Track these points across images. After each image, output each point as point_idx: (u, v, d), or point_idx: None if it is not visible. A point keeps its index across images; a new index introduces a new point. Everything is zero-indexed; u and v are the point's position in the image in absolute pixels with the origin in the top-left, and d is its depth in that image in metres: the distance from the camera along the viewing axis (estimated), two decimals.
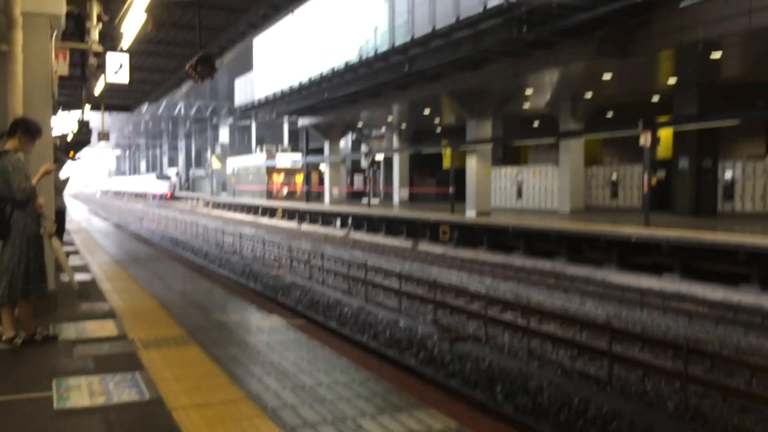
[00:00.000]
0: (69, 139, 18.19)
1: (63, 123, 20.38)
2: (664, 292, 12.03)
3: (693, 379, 6.80)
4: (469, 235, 18.90)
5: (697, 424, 5.98)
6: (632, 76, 18.32)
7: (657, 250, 13.21)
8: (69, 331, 5.42)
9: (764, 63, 16.53)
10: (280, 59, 27.65)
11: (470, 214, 21.39)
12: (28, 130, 4.93)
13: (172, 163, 78.04)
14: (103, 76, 11.63)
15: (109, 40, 11.69)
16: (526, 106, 24.66)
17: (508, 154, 29.80)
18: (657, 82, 19.55)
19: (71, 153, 18.92)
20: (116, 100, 22.20)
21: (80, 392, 3.82)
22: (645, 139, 14.77)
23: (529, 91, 21.47)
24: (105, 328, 5.54)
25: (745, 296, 11.25)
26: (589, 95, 21.39)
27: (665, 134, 20.64)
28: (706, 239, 12.38)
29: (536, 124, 29.25)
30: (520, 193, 26.27)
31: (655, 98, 21.40)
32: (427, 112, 27.68)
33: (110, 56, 10.81)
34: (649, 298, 11.68)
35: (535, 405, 6.36)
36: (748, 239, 11.84)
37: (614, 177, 24.61)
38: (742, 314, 10.24)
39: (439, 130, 34.15)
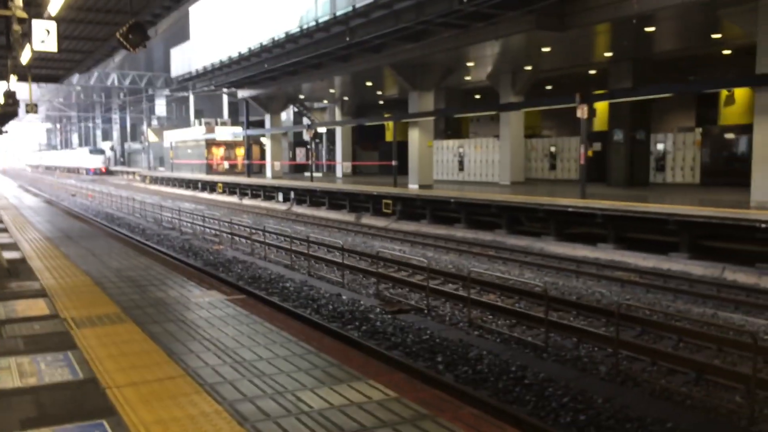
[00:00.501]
0: None
1: None
2: (599, 261, 12.44)
3: (624, 344, 7.09)
4: (411, 207, 19.03)
5: (627, 387, 6.24)
6: (570, 49, 18.65)
7: (592, 221, 13.62)
8: None
9: (695, 37, 17.07)
10: (219, 28, 26.92)
11: (413, 186, 21.52)
12: None
13: (106, 136, 75.52)
14: (29, 44, 11.06)
15: (35, 6, 11.12)
16: (468, 78, 24.83)
17: (449, 127, 30.01)
18: (594, 56, 19.96)
19: None
20: (45, 70, 21.18)
21: (9, 373, 3.70)
22: (582, 112, 15.09)
23: (470, 64, 21.60)
24: (36, 307, 5.36)
25: (675, 264, 11.75)
26: (528, 68, 21.68)
27: (601, 107, 21.16)
28: (638, 210, 12.82)
29: (478, 96, 29.52)
30: (461, 166, 26.55)
31: (592, 71, 21.87)
32: (369, 84, 27.55)
33: (36, 23, 10.27)
34: (585, 267, 12.06)
35: (475, 373, 6.51)
36: (677, 209, 12.31)
37: (552, 149, 25.13)
38: (671, 281, 10.69)
39: (381, 102, 34.07)
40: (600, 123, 23.58)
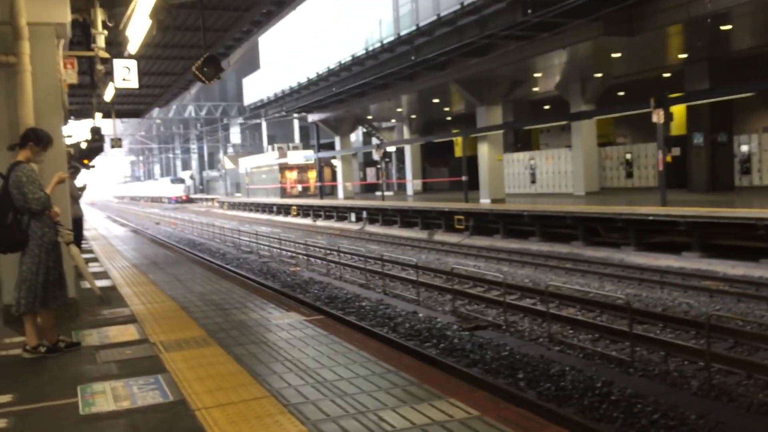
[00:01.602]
0: (83, 147, 18.37)
1: (76, 131, 20.57)
2: (684, 271, 11.94)
3: (716, 357, 6.75)
4: (484, 222, 18.85)
5: (722, 402, 5.93)
6: (641, 53, 18.13)
7: (675, 229, 13.10)
8: (91, 337, 5.49)
9: None
10: (287, 56, 27.67)
11: (484, 201, 21.34)
12: (39, 140, 4.97)
13: (186, 165, 78.58)
14: (111, 82, 11.71)
15: (116, 46, 11.76)
16: (536, 89, 24.52)
17: (519, 140, 29.65)
18: (667, 58, 19.34)
19: (85, 161, 19.12)
20: (127, 106, 22.36)
21: (105, 397, 3.87)
22: (657, 117, 14.61)
23: (537, 75, 21.33)
24: (127, 332, 5.61)
25: (767, 271, 11.13)
26: (598, 75, 21.22)
27: (678, 110, 20.38)
28: (724, 215, 12.25)
29: (547, 107, 29.06)
30: (533, 178, 26.14)
31: (666, 74, 21.18)
32: (436, 101, 27.60)
33: (117, 62, 10.87)
34: (669, 277, 11.59)
35: (558, 389, 6.34)
36: (767, 213, 11.68)
37: (628, 156, 24.40)
38: (764, 290, 10.13)
39: (449, 118, 34.04)
40: (678, 127, 22.72)
